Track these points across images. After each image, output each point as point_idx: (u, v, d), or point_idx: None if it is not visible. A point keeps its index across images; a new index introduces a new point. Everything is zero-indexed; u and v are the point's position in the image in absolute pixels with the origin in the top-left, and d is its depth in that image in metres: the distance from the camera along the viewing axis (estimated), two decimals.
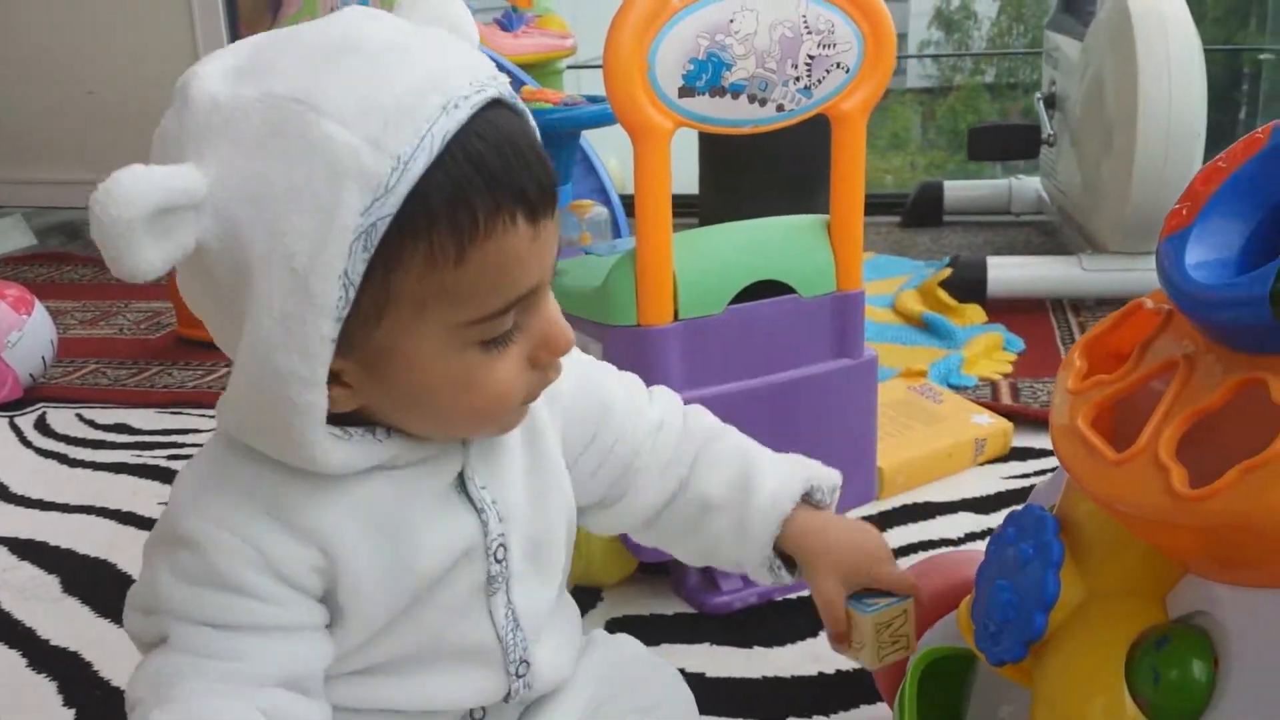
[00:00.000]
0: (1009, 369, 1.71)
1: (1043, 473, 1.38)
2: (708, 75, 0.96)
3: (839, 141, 1.05)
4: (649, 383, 1.01)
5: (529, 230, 0.58)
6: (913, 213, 2.70)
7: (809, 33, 0.99)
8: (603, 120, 1.35)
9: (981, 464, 1.40)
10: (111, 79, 2.69)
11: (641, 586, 1.15)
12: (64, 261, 2.79)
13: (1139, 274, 1.95)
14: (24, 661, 1.10)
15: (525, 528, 0.69)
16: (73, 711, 1.02)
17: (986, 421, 1.41)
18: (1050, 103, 2.35)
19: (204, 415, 1.71)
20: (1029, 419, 1.49)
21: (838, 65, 1.01)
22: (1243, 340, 0.58)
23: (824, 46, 1.00)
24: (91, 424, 1.70)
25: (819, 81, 1.01)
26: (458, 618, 0.67)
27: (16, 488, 1.49)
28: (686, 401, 1.01)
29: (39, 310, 1.82)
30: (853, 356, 1.09)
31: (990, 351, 1.75)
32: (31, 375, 1.80)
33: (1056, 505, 0.69)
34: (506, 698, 0.70)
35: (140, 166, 0.54)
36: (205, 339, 1.91)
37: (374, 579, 0.63)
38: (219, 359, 1.96)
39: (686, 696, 0.83)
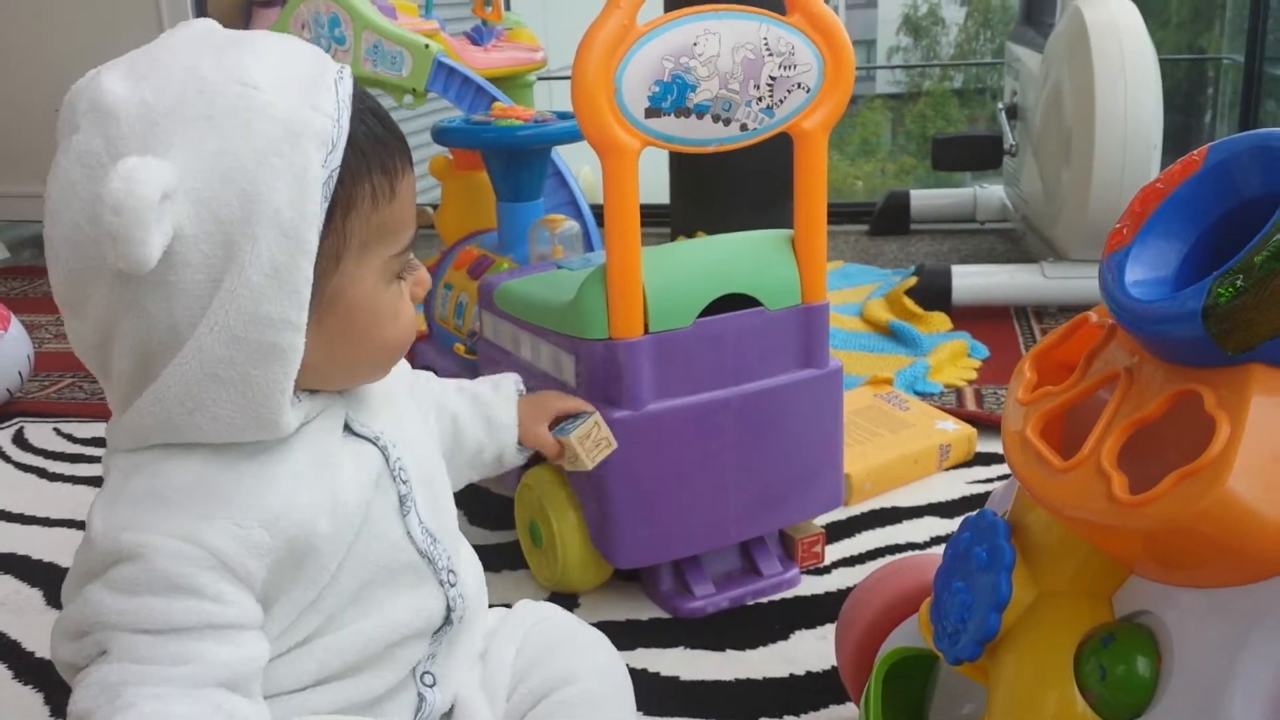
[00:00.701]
0: (974, 375, 1.76)
1: (1005, 477, 1.42)
2: (673, 96, 0.99)
3: (801, 159, 1.09)
4: (621, 394, 1.04)
5: (411, 172, 0.71)
6: (880, 221, 2.75)
7: (770, 54, 1.02)
8: (573, 136, 1.37)
9: (946, 469, 1.44)
10: None
11: (616, 592, 1.18)
12: (38, 275, 2.80)
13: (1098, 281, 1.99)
14: (9, 674, 1.12)
15: (413, 453, 0.76)
16: None
17: (951, 428, 1.44)
18: (1012, 113, 2.40)
19: None
20: (993, 425, 1.53)
21: (799, 85, 1.04)
22: (1179, 354, 0.62)
23: (785, 68, 1.03)
24: (69, 438, 1.71)
25: (780, 101, 1.05)
26: (385, 545, 0.72)
27: None
28: (658, 412, 1.05)
29: (15, 325, 1.83)
30: (818, 366, 1.12)
31: (955, 358, 1.79)
32: (8, 390, 1.81)
33: (1009, 510, 0.72)
34: (448, 616, 0.76)
35: (134, 158, 0.58)
36: None
37: (326, 525, 0.68)
38: None
39: (615, 666, 0.86)
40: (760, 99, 1.04)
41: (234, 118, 0.61)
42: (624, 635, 1.10)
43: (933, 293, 2.02)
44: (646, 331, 1.05)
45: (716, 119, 1.02)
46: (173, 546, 0.63)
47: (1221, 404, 0.58)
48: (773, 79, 1.03)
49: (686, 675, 1.05)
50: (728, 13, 1.01)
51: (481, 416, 0.94)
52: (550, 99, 2.79)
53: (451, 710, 0.79)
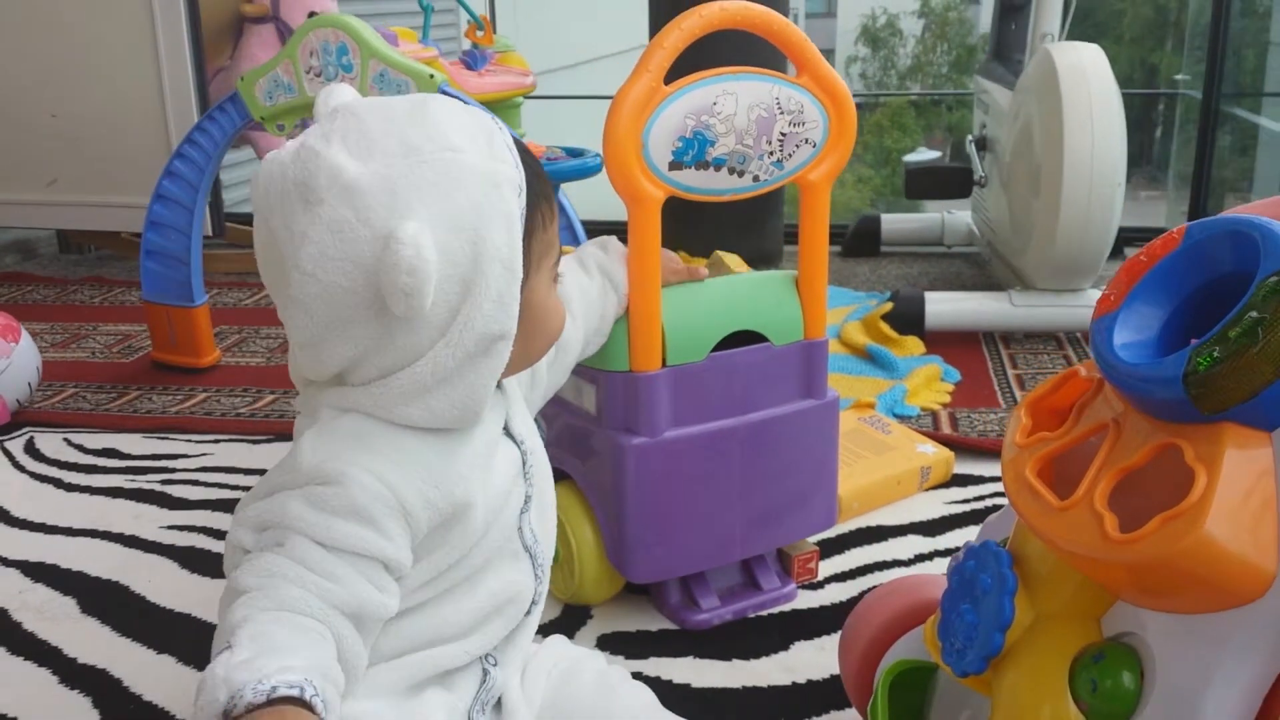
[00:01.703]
0: (947, 399, 1.86)
1: (981, 498, 1.52)
2: (694, 151, 1.09)
3: (806, 207, 1.18)
4: (639, 422, 1.14)
5: (554, 200, 0.86)
6: (852, 244, 2.85)
7: (781, 113, 1.12)
8: (583, 174, 1.46)
9: (926, 489, 1.54)
10: (74, 102, 2.73)
11: (627, 605, 1.27)
12: (23, 281, 2.83)
13: (1064, 310, 2.11)
14: (55, 679, 1.18)
15: (540, 462, 0.91)
16: None
17: (931, 451, 1.55)
18: (981, 145, 2.51)
19: (190, 440, 1.79)
20: (968, 447, 1.64)
21: (806, 141, 1.14)
22: (1161, 411, 0.71)
23: (794, 124, 1.13)
24: (80, 449, 1.77)
25: (790, 155, 1.14)
26: (506, 534, 0.86)
27: (16, 512, 1.56)
28: (674, 439, 1.14)
29: (25, 338, 1.88)
30: (818, 397, 1.22)
31: (930, 382, 1.90)
32: (18, 401, 1.87)
33: (1009, 541, 0.82)
34: (531, 602, 0.89)
35: (413, 224, 0.72)
36: (180, 364, 2.01)
37: (480, 502, 0.81)
38: (195, 384, 2.04)
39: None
40: (772, 153, 1.13)
41: (450, 178, 0.74)
42: (636, 645, 1.19)
43: (907, 318, 2.12)
44: (664, 365, 1.14)
45: (732, 171, 1.11)
46: (367, 481, 0.75)
47: (1199, 457, 0.67)
48: (783, 135, 1.13)
49: (697, 683, 1.14)
50: (744, 75, 1.10)
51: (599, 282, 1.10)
52: (532, 117, 2.87)
53: (499, 704, 0.88)
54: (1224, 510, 0.65)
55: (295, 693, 0.65)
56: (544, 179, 0.84)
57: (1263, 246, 0.69)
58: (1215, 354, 0.67)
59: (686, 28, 1.08)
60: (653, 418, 1.14)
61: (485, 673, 0.86)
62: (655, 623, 1.24)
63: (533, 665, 0.92)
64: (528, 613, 0.89)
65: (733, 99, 1.10)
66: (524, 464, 0.88)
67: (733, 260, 1.30)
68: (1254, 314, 0.66)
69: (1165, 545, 0.66)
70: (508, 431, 0.88)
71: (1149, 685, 0.69)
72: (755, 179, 1.14)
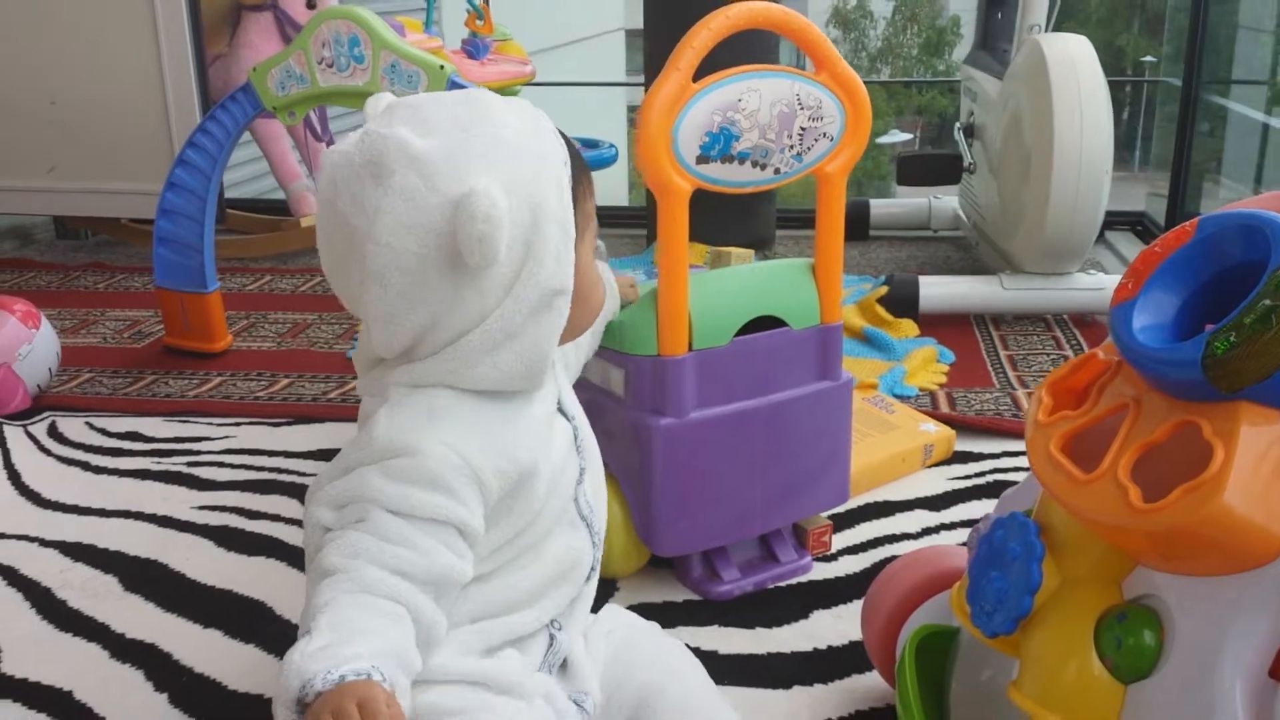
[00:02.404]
0: (944, 379, 1.93)
1: (981, 474, 1.59)
2: (720, 145, 1.15)
3: (823, 198, 1.24)
4: (666, 404, 1.20)
5: (589, 175, 0.93)
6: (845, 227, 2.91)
7: (801, 108, 1.18)
8: (600, 164, 1.51)
9: (929, 466, 1.61)
10: (75, 89, 2.75)
11: (652, 577, 1.33)
12: (24, 268, 2.85)
13: (1053, 293, 2.18)
14: (105, 654, 1.23)
15: (589, 437, 0.98)
16: (164, 695, 1.15)
17: (933, 429, 1.61)
18: (969, 132, 2.58)
19: (210, 423, 1.83)
20: (966, 426, 1.70)
21: (824, 135, 1.20)
22: (1180, 391, 0.78)
23: (813, 119, 1.19)
24: (103, 432, 1.81)
25: (809, 149, 1.20)
26: (563, 504, 0.92)
27: (48, 494, 1.60)
28: (699, 420, 1.18)
29: (45, 324, 1.92)
30: (833, 379, 1.29)
31: (927, 364, 1.96)
32: (39, 386, 1.90)
33: (1034, 511, 0.88)
34: (590, 569, 0.96)
35: (483, 178, 0.79)
36: (190, 349, 2.05)
37: (544, 472, 0.87)
38: (210, 368, 2.08)
39: (694, 664, 1.02)
40: (792, 147, 1.19)
41: (507, 148, 0.82)
42: (664, 615, 1.25)
43: (902, 301, 2.19)
44: (690, 349, 1.19)
45: (755, 164, 1.17)
46: (441, 451, 0.81)
47: (1217, 433, 0.74)
48: (803, 129, 1.19)
49: (724, 650, 1.20)
50: (767, 72, 1.16)
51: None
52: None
53: (564, 665, 0.95)
54: (1240, 481, 0.71)
55: (362, 679, 0.69)
56: (580, 157, 0.91)
57: (1273, 239, 0.76)
58: (1231, 339, 0.73)
59: (714, 28, 1.13)
60: (679, 399, 1.20)
61: (551, 637, 0.92)
62: (680, 594, 1.30)
63: (593, 630, 0.98)
64: (587, 579, 0.96)
65: (756, 95, 1.16)
66: (576, 439, 0.95)
67: (739, 253, 1.36)
68: (1267, 302, 0.73)
69: (1186, 514, 0.72)
70: (560, 409, 0.94)
71: (1169, 642, 0.76)
72: (776, 171, 1.20)
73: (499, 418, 0.85)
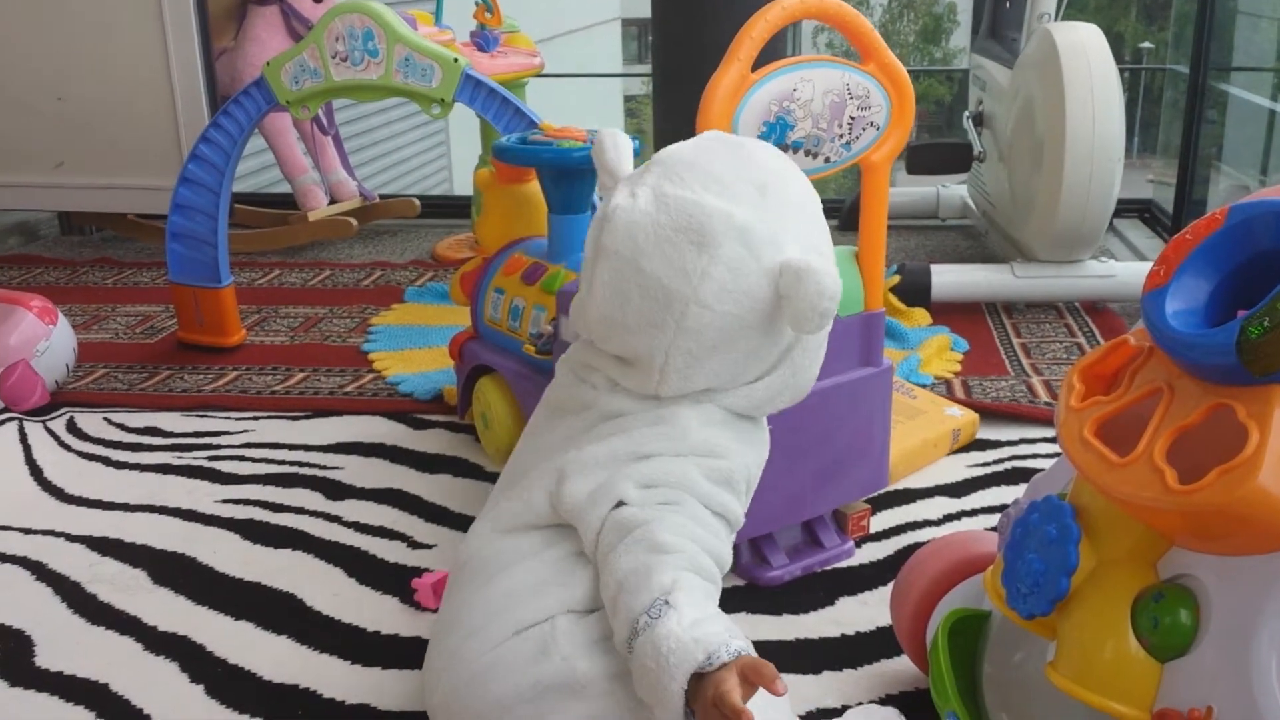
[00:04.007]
0: (958, 368, 1.94)
1: (1000, 460, 1.61)
2: (776, 135, 1.16)
3: (868, 186, 1.26)
4: None
5: None
6: (850, 217, 2.92)
7: (851, 98, 1.19)
8: None
9: (955, 452, 1.62)
10: (82, 85, 2.76)
11: None
12: (31, 264, 2.86)
13: (1065, 280, 2.19)
14: (139, 646, 1.24)
15: None
16: (200, 686, 1.16)
17: (958, 414, 1.63)
18: (978, 120, 2.59)
19: (228, 418, 1.84)
20: (986, 411, 1.72)
21: (871, 124, 1.22)
22: (1214, 375, 0.79)
23: (862, 109, 1.21)
24: (122, 427, 1.82)
25: (857, 138, 1.22)
26: None
27: (72, 489, 1.61)
28: None
29: (62, 320, 1.92)
30: (875, 365, 1.30)
31: (941, 352, 1.98)
32: (56, 382, 1.91)
33: (1069, 494, 0.89)
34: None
35: (828, 263, 0.92)
36: (204, 344, 2.06)
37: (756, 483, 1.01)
38: (224, 363, 2.09)
39: None
40: (842, 136, 1.21)
41: (801, 211, 0.94)
42: None
43: (914, 290, 2.20)
44: None
45: (808, 153, 1.19)
46: (743, 460, 0.95)
47: (1251, 415, 0.75)
48: (852, 119, 1.20)
49: (753, 637, 1.20)
50: (820, 63, 1.18)
51: None
52: (538, 96, 2.91)
53: None
54: (1275, 462, 0.72)
55: (747, 652, 0.81)
56: None
57: None
58: (1265, 323, 0.74)
59: (771, 19, 1.15)
60: None
61: None
62: (727, 580, 1.30)
63: None
64: None
65: (810, 85, 1.17)
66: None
67: None
68: None
69: (1222, 494, 0.73)
70: None
71: (1205, 621, 0.77)
72: (826, 160, 1.22)
73: (759, 438, 0.99)
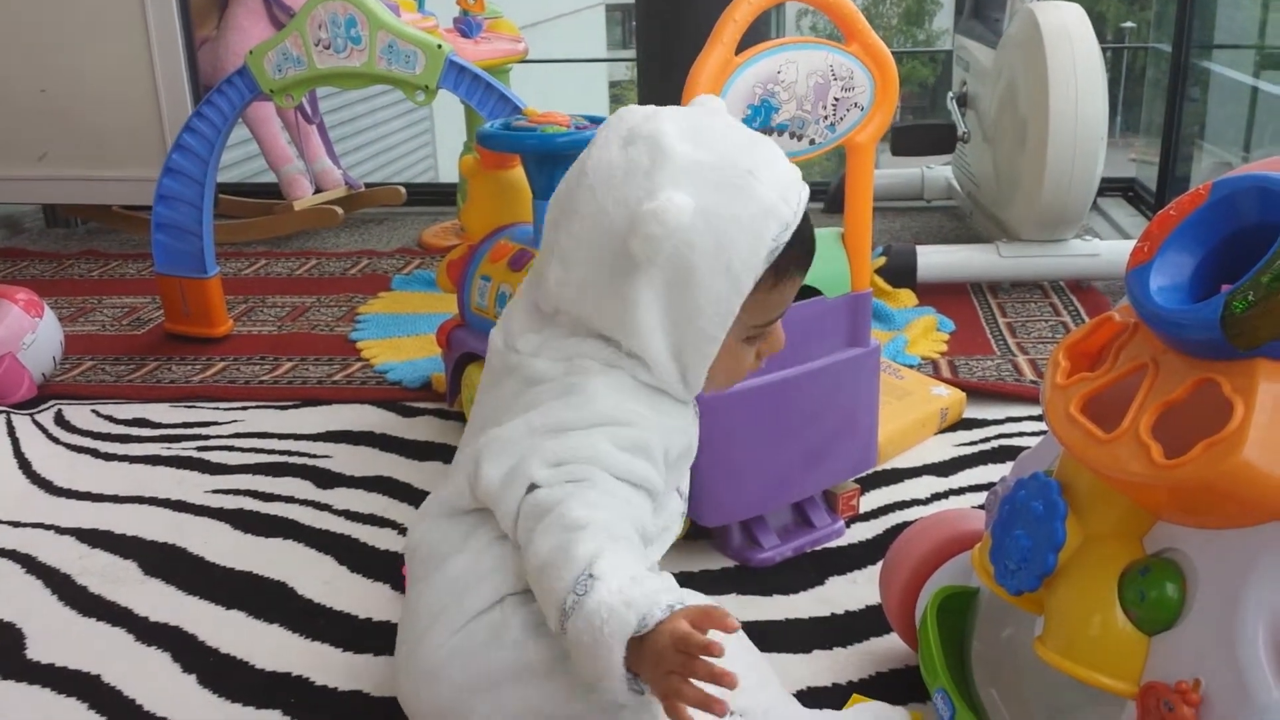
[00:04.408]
0: (944, 348, 1.95)
1: (987, 439, 1.61)
2: (761, 117, 1.16)
3: (853, 167, 1.26)
4: None
5: (801, 279, 0.96)
6: (835, 199, 2.92)
7: (835, 79, 1.19)
8: None
9: (943, 431, 1.63)
10: (65, 76, 2.74)
11: (690, 548, 1.34)
12: (16, 257, 2.84)
13: (1049, 259, 2.20)
14: (130, 637, 1.24)
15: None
16: (193, 675, 1.17)
17: (945, 393, 1.64)
18: (962, 101, 2.59)
19: (217, 408, 1.84)
20: (973, 390, 1.72)
21: (855, 105, 1.21)
22: (1198, 350, 0.79)
23: (845, 90, 1.21)
24: (110, 419, 1.81)
25: (841, 119, 1.22)
26: (683, 476, 1.02)
27: (60, 482, 1.60)
28: (741, 391, 1.23)
29: (48, 313, 1.92)
30: (863, 345, 1.31)
31: (927, 332, 1.98)
32: (43, 375, 1.91)
33: (1055, 471, 0.90)
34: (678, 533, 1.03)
35: (676, 194, 0.86)
36: (192, 334, 2.06)
37: (682, 455, 0.97)
38: (212, 354, 2.08)
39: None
40: (826, 117, 1.21)
41: (733, 190, 0.88)
42: (696, 584, 1.27)
43: (900, 271, 2.21)
44: None
45: (793, 135, 1.19)
46: (655, 430, 0.91)
47: (1236, 389, 0.75)
48: (836, 100, 1.20)
49: (743, 617, 1.20)
50: (803, 44, 1.18)
51: None
52: (521, 83, 2.91)
53: None
54: (1260, 436, 0.73)
55: (680, 606, 0.79)
56: (806, 254, 0.95)
57: None
58: (1250, 298, 0.75)
59: (754, 2, 1.15)
60: None
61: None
62: (719, 562, 1.33)
63: None
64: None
65: (794, 67, 1.17)
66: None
67: None
68: None
69: (1208, 468, 0.74)
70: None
71: (1191, 594, 0.78)
72: (811, 142, 1.22)
73: (679, 412, 0.95)
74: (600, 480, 0.87)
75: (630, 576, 0.80)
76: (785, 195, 0.90)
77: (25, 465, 1.66)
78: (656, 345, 0.90)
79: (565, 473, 0.87)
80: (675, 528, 1.01)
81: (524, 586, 0.90)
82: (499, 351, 0.98)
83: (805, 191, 0.93)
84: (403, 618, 0.97)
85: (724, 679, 0.76)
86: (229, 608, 1.28)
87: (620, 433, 0.89)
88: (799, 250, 0.93)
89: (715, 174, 0.88)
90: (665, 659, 0.77)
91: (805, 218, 0.93)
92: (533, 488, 0.87)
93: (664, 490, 0.94)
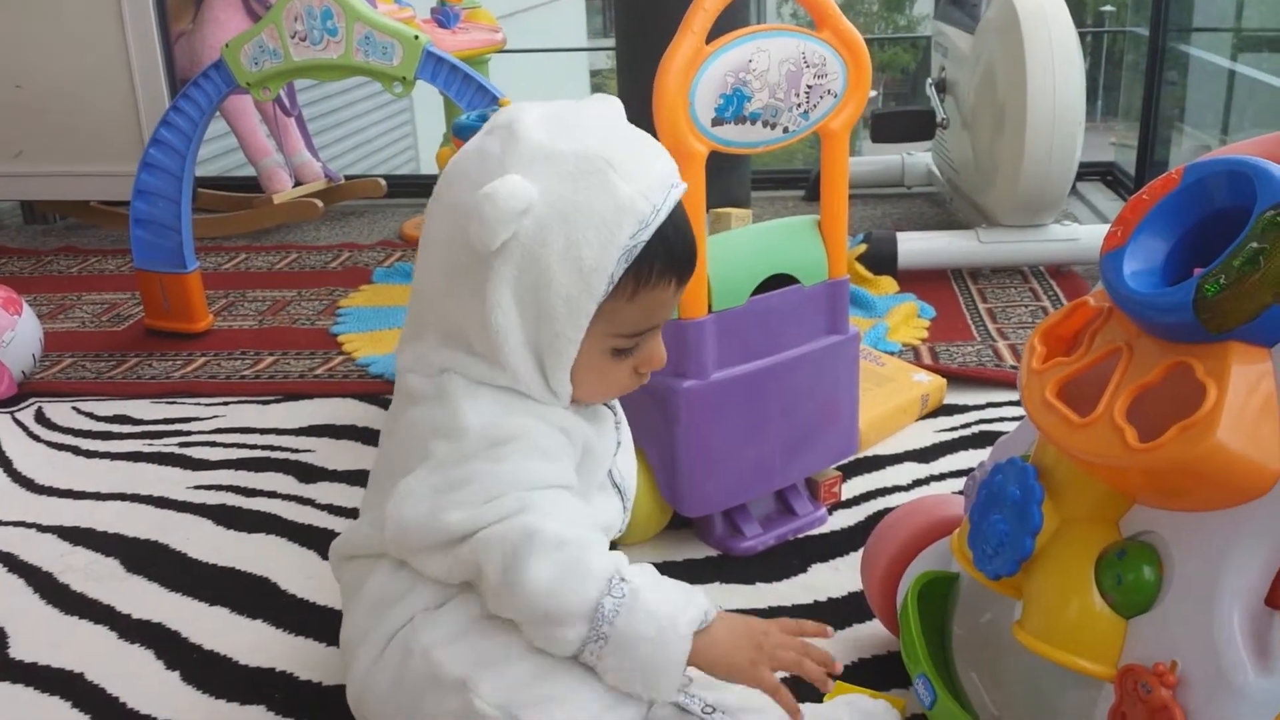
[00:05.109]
0: (925, 334, 1.95)
1: (968, 425, 1.62)
2: (733, 107, 1.16)
3: (828, 154, 1.26)
4: (689, 366, 1.21)
5: (675, 290, 0.90)
6: (815, 187, 2.92)
7: (807, 66, 1.19)
8: None
9: (924, 417, 1.63)
10: (40, 72, 2.72)
11: (672, 537, 1.35)
12: (13, 254, 2.82)
13: (1029, 245, 2.21)
14: (113, 635, 1.23)
15: (620, 411, 1.02)
16: (176, 673, 1.16)
17: (925, 379, 1.64)
18: (941, 87, 2.59)
19: (199, 403, 1.83)
20: (953, 376, 1.73)
21: (829, 92, 1.21)
22: (1172, 333, 0.80)
23: (818, 77, 1.20)
24: (91, 416, 1.80)
25: (814, 106, 1.21)
26: (603, 467, 0.98)
27: (41, 480, 1.60)
28: (721, 380, 1.24)
29: (27, 310, 1.90)
30: (841, 332, 1.31)
31: (908, 319, 1.99)
32: (23, 372, 1.89)
33: (1032, 456, 0.90)
34: (620, 529, 1.02)
35: (517, 176, 0.81)
36: (172, 330, 2.05)
37: (587, 452, 0.94)
38: (193, 349, 2.07)
39: None
40: (799, 105, 1.20)
41: (586, 180, 0.83)
42: (665, 574, 1.27)
43: (880, 258, 2.21)
44: (710, 311, 1.21)
45: (766, 124, 1.19)
46: (538, 430, 0.87)
47: (1209, 372, 0.76)
48: (809, 87, 1.20)
49: (727, 605, 1.20)
50: (775, 32, 1.18)
51: None
52: (500, 72, 2.90)
53: None
54: (1233, 418, 0.74)
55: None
56: (681, 261, 0.89)
57: (1259, 184, 0.77)
58: (1221, 281, 0.75)
59: None
60: (701, 361, 1.21)
61: None
62: (701, 551, 1.33)
63: None
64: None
65: (766, 55, 1.17)
66: (615, 416, 1.01)
67: (739, 214, 1.37)
68: (1255, 244, 0.75)
69: (1182, 451, 0.74)
70: (613, 409, 1.01)
71: (1168, 577, 0.79)
72: (785, 130, 1.21)
73: (558, 412, 0.90)
74: (538, 500, 0.85)
75: (656, 576, 0.86)
76: (648, 192, 0.84)
77: (6, 463, 1.65)
78: (514, 347, 0.85)
79: (503, 506, 0.85)
80: (617, 525, 1.01)
81: (435, 602, 0.91)
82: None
83: (676, 193, 0.87)
84: (342, 633, 0.99)
85: (833, 665, 0.88)
86: (212, 604, 1.28)
87: (513, 449, 0.86)
88: (665, 257, 0.86)
89: (570, 164, 0.83)
90: (770, 639, 0.87)
91: (678, 222, 0.87)
92: (471, 534, 0.85)
93: (581, 486, 0.92)
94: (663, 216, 0.85)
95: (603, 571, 0.84)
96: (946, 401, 1.68)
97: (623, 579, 0.84)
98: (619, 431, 1.01)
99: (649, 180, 0.85)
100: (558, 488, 0.88)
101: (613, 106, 0.90)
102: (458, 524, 0.85)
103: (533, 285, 0.83)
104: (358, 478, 1.55)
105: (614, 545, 1.31)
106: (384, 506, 0.89)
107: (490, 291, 0.84)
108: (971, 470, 1.02)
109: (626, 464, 1.02)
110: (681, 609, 0.85)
